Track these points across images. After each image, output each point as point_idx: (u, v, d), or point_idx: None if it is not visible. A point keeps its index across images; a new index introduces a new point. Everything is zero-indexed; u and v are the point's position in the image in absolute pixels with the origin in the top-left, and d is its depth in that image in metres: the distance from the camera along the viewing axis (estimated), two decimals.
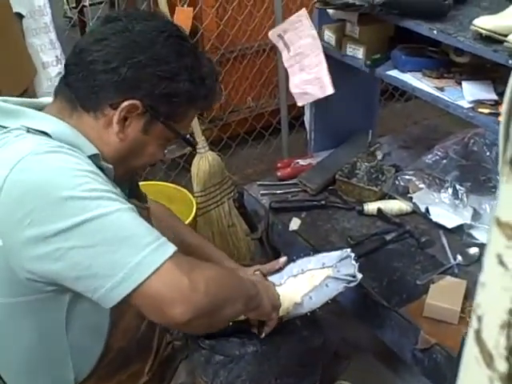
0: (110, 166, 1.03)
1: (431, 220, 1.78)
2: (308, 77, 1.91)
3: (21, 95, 1.95)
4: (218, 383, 1.27)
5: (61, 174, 0.90)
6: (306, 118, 2.31)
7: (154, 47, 1.01)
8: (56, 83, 2.12)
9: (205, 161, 2.33)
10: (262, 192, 2.00)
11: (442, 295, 1.48)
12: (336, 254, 1.41)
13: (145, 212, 1.17)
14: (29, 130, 0.97)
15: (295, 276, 1.41)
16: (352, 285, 1.35)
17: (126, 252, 0.88)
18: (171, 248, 0.92)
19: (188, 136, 1.19)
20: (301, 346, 1.40)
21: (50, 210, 0.87)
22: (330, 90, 1.89)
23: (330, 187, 1.97)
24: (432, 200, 1.81)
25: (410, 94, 3.38)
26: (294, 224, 1.83)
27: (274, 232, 1.90)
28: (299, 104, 2.00)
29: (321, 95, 1.92)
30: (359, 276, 1.35)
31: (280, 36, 1.95)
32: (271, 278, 1.41)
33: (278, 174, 2.06)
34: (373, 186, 1.89)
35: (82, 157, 0.96)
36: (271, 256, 1.98)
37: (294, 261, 1.45)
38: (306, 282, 1.39)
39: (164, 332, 1.27)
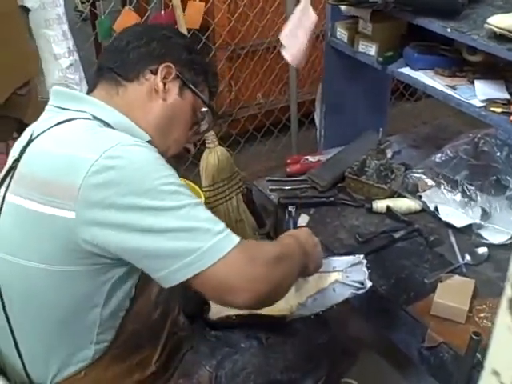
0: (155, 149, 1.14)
1: (440, 219, 1.78)
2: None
3: (18, 89, 1.96)
4: (223, 374, 1.27)
5: (148, 164, 1.01)
6: (317, 115, 2.32)
7: (168, 27, 1.31)
8: (67, 74, 2.17)
9: (214, 155, 2.32)
10: (270, 187, 2.00)
11: (450, 294, 1.47)
12: (348, 259, 1.39)
13: None
14: (95, 117, 1.10)
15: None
16: (360, 292, 1.33)
17: (197, 239, 0.97)
18: (236, 237, 1.01)
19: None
20: (307, 341, 1.40)
21: (137, 187, 0.97)
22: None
23: (339, 184, 1.97)
24: (441, 199, 1.80)
25: (420, 94, 3.42)
26: (303, 220, 1.83)
27: (282, 227, 1.90)
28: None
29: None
30: (368, 284, 1.33)
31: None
32: None
33: (287, 169, 2.06)
34: (382, 183, 1.89)
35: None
36: None
37: None
38: (313, 283, 1.38)
39: (175, 323, 1.28)
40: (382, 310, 1.55)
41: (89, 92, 1.21)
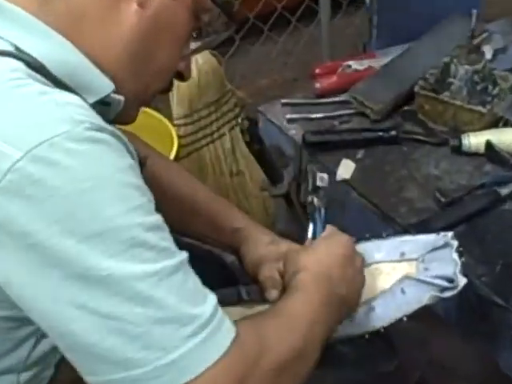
0: (121, 98, 1.12)
1: None
2: None
3: None
4: None
5: (106, 186, 0.95)
6: None
7: None
8: None
9: (191, 65, 2.32)
10: (288, 117, 1.99)
11: None
12: (426, 240, 1.39)
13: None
14: (20, 51, 1.02)
15: None
16: (447, 295, 1.32)
17: (157, 342, 0.94)
18: (228, 334, 0.99)
19: None
20: (360, 373, 1.43)
21: (77, 225, 0.92)
22: None
23: (405, 107, 1.96)
24: None
25: None
26: (345, 170, 1.83)
27: (309, 184, 1.87)
28: None
29: None
30: (462, 282, 1.31)
31: None
32: None
33: (316, 85, 2.05)
34: (477, 104, 1.87)
35: (122, 147, 1.02)
36: (304, 224, 1.98)
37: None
38: (368, 281, 1.37)
39: None
40: (483, 315, 1.55)
41: None
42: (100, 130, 0.97)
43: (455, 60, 1.90)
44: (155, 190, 1.47)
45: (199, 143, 2.38)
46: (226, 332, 0.99)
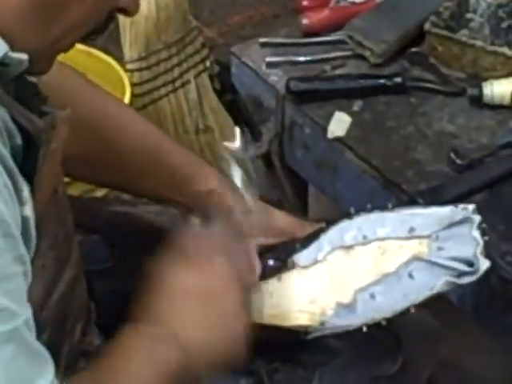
0: (22, 57, 1.06)
1: None
2: None
3: None
4: None
5: None
6: None
7: None
8: None
9: None
10: (268, 60, 1.97)
11: None
12: (441, 213, 1.37)
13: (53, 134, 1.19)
14: None
15: (348, 248, 1.39)
16: (465, 281, 1.31)
17: None
18: None
19: None
20: (355, 375, 1.43)
21: None
22: None
23: (413, 49, 1.94)
24: None
25: None
26: (338, 125, 1.81)
27: (294, 141, 1.90)
28: None
29: None
30: (483, 265, 1.30)
31: None
32: (299, 254, 1.39)
33: (303, 21, 2.03)
34: (502, 45, 1.85)
35: None
36: (288, 193, 1.96)
37: (349, 216, 1.41)
38: (367, 262, 1.37)
39: None
40: (508, 306, 1.57)
41: None
42: None
43: None
44: (111, 142, 1.50)
45: (158, 93, 2.39)
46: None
